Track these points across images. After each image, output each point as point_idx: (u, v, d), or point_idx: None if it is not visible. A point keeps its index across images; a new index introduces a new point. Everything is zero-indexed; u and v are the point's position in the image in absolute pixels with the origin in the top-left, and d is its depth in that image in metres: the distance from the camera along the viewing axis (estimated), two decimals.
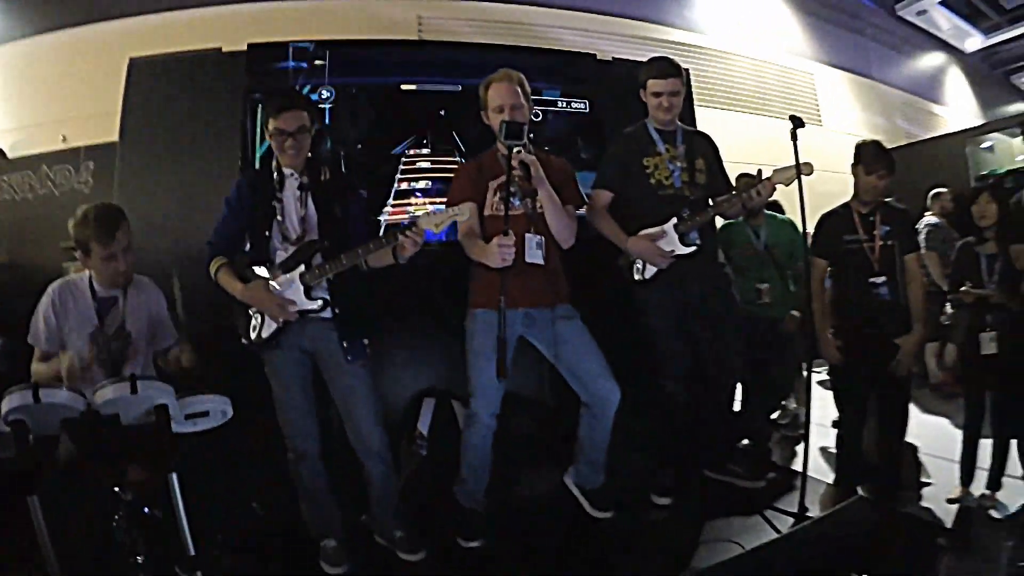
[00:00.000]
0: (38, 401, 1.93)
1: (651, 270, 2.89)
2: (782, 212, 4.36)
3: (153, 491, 2.24)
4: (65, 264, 4.57)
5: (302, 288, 2.46)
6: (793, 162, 2.70)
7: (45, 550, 1.97)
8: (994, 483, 3.36)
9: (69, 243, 4.53)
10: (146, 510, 2.23)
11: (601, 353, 2.73)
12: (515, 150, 2.50)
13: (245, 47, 3.53)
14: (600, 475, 2.86)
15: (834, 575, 2.08)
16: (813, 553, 2.17)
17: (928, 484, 3.60)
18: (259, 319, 2.51)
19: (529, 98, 2.75)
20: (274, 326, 2.48)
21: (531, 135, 2.66)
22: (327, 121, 3.49)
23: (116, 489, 2.16)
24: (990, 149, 6.92)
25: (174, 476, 2.04)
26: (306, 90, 3.51)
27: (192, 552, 2.07)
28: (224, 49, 3.59)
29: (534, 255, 2.62)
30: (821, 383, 3.04)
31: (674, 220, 2.86)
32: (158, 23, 5.57)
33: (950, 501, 3.39)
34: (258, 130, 3.39)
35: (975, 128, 7.93)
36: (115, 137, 3.78)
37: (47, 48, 5.75)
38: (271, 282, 2.48)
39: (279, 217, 2.54)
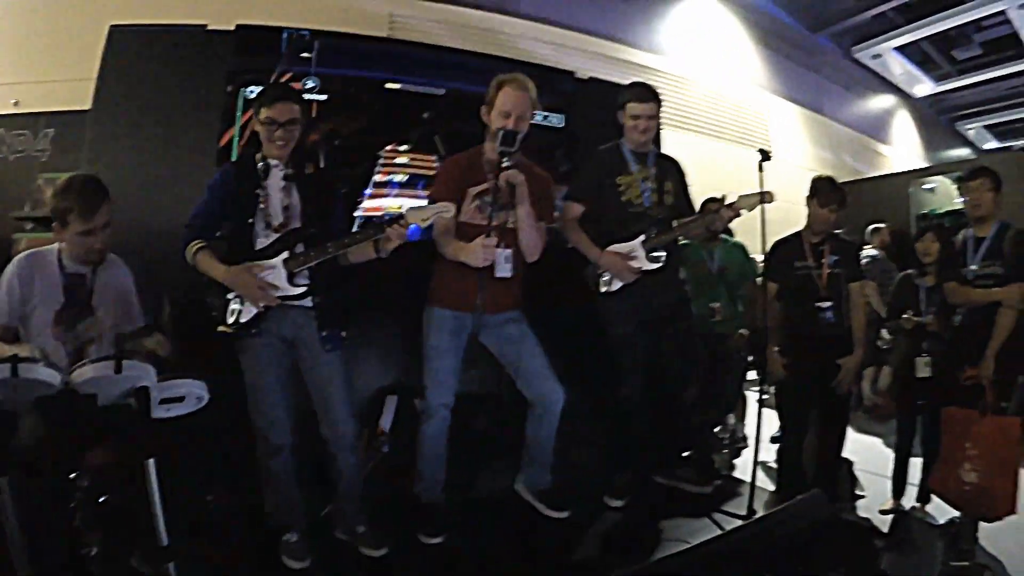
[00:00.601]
0: (16, 376, 1.81)
1: (617, 283, 3.00)
2: (731, 235, 4.55)
3: (112, 478, 2.18)
4: (16, 235, 4.46)
5: (285, 274, 2.45)
6: (756, 190, 2.87)
7: (12, 537, 1.86)
8: (924, 496, 3.63)
9: (21, 212, 4.45)
10: (103, 498, 2.15)
11: (545, 355, 2.81)
12: (504, 163, 2.57)
13: (232, 27, 3.45)
14: (547, 475, 2.92)
15: (782, 570, 2.21)
16: (761, 548, 2.30)
17: (862, 496, 3.83)
18: (239, 303, 2.47)
19: (535, 110, 2.81)
20: (254, 311, 2.45)
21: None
22: (313, 114, 3.45)
23: (72, 475, 2.10)
24: (931, 190, 7.28)
25: (151, 462, 1.94)
26: (286, 78, 3.46)
27: (165, 542, 1.97)
28: (210, 27, 3.48)
29: (503, 269, 2.68)
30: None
31: (642, 237, 2.98)
32: None
33: (883, 512, 3.63)
34: (238, 113, 3.36)
35: (921, 170, 8.36)
36: (77, 106, 3.67)
37: (10, 6, 5.38)
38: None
39: (262, 205, 2.52)
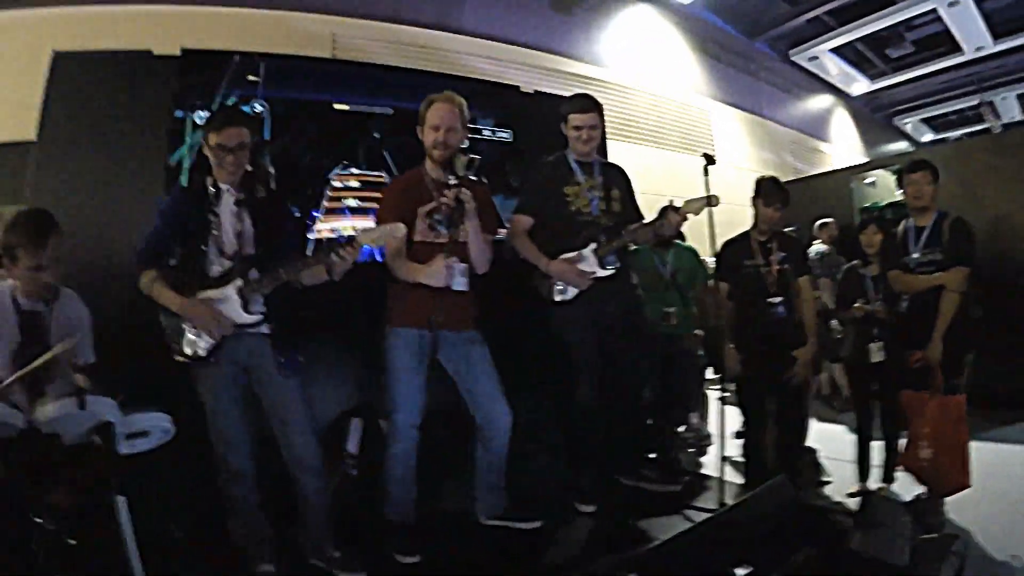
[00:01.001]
0: None
1: (572, 291, 3.05)
2: (684, 240, 4.64)
3: (79, 518, 2.13)
4: None
5: (239, 302, 2.44)
6: (702, 194, 2.94)
7: None
8: (888, 477, 3.76)
9: None
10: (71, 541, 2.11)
11: (498, 378, 2.87)
12: (451, 182, 2.65)
13: (178, 52, 3.41)
14: (501, 498, 2.96)
15: (753, 555, 2.26)
16: (732, 536, 2.35)
17: (828, 483, 3.94)
18: (195, 334, 2.45)
19: (466, 124, 2.87)
20: (211, 341, 2.43)
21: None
22: (265, 136, 3.46)
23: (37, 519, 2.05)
24: (872, 184, 7.48)
25: (122, 500, 1.92)
26: (231, 101, 3.44)
27: None
28: (156, 52, 3.43)
29: (459, 283, 2.73)
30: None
31: (593, 245, 3.04)
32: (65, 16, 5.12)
33: (850, 495, 3.74)
34: (186, 140, 3.32)
35: (861, 165, 8.60)
36: (18, 136, 3.59)
37: None
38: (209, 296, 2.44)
39: (215, 231, 2.50)
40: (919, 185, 3.41)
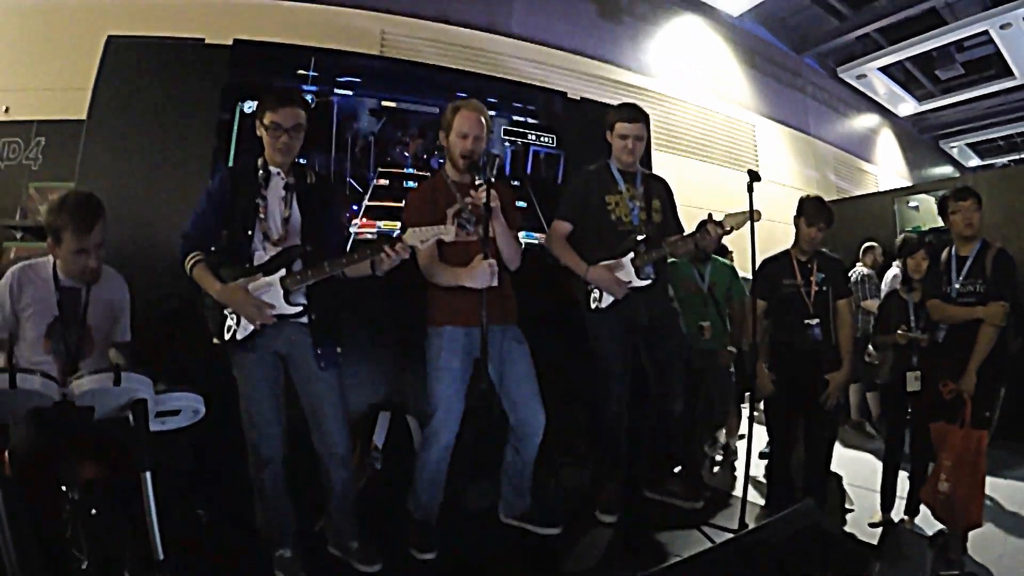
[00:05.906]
0: (14, 387, 1.80)
1: (607, 299, 3.04)
2: (725, 254, 4.60)
3: (104, 491, 2.15)
4: (5, 244, 4.43)
5: (281, 292, 2.43)
6: (745, 208, 2.89)
7: (5, 549, 1.83)
8: (912, 509, 3.68)
9: (11, 221, 4.42)
10: (94, 512, 2.14)
11: (536, 380, 2.84)
12: (478, 183, 2.64)
13: (230, 41, 3.46)
14: (526, 499, 2.95)
15: None
16: (753, 559, 2.32)
17: (851, 510, 3.86)
18: (235, 319, 2.43)
19: (490, 132, 2.89)
20: (250, 328, 2.42)
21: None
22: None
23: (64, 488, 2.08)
24: (915, 208, 7.39)
25: (148, 475, 1.93)
26: None
27: (162, 556, 1.93)
28: (208, 41, 3.48)
29: (494, 279, 2.69)
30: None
31: (631, 254, 3.03)
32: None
33: (872, 525, 3.68)
34: (234, 127, 3.36)
35: (905, 188, 8.47)
36: (69, 115, 3.65)
37: (4, 10, 5.20)
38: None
39: (261, 215, 2.50)
40: (968, 212, 3.33)
